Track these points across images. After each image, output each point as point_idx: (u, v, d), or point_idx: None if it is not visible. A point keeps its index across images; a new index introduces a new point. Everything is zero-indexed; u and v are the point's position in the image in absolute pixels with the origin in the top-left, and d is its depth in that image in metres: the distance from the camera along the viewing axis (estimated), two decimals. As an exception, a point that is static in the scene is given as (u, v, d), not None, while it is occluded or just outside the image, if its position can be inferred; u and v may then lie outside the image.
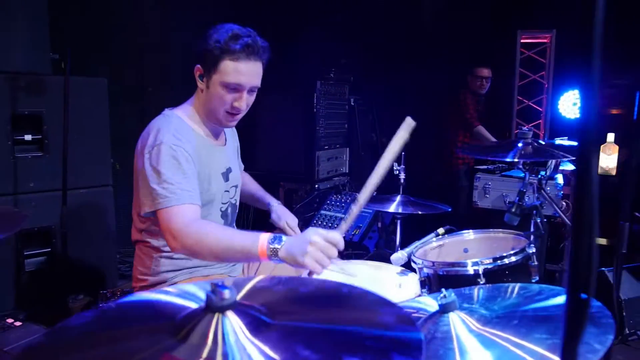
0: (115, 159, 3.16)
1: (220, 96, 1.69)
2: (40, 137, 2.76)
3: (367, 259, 2.29)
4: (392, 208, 2.21)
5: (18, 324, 1.70)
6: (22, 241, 2.72)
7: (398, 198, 2.25)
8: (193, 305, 0.79)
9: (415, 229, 2.25)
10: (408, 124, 1.53)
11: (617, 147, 5.14)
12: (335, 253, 1.43)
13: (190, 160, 1.64)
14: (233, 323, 0.70)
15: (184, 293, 0.85)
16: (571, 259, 0.56)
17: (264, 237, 1.44)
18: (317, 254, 1.37)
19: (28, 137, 2.73)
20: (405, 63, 5.05)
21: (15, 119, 2.66)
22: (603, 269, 3.57)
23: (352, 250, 2.81)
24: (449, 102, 4.70)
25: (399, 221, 2.28)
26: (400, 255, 1.90)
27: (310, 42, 4.01)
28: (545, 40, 4.85)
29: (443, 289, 1.12)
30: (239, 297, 0.79)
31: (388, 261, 2.10)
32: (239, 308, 0.72)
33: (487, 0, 5.02)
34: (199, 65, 1.72)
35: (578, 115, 4.46)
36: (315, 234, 1.40)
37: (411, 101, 5.15)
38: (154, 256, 1.79)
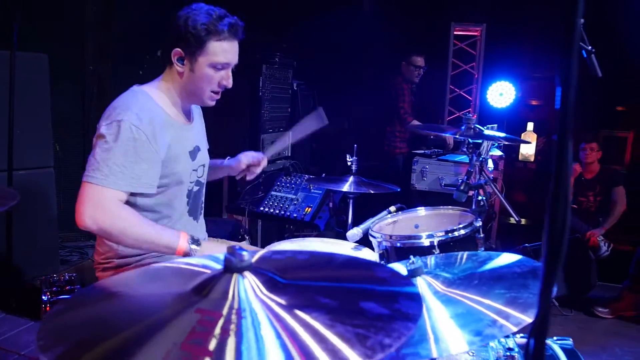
0: (56, 140, 3.05)
1: (208, 77, 1.73)
2: (-23, 116, 2.61)
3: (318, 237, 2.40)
4: (345, 187, 2.33)
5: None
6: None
7: (351, 178, 2.37)
8: (204, 271, 0.85)
9: (364, 210, 2.38)
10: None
11: (535, 135, 5.59)
12: None
13: (147, 143, 1.64)
14: (251, 281, 0.77)
15: (199, 263, 0.90)
16: (549, 225, 0.68)
17: (184, 241, 1.65)
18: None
19: (-38, 116, 2.58)
20: (346, 50, 5.19)
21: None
22: (526, 245, 3.92)
23: (304, 229, 2.91)
24: (386, 90, 4.82)
25: (351, 201, 2.40)
26: (355, 232, 2.01)
27: (257, 27, 4.02)
28: (476, 34, 5.16)
29: (411, 256, 1.25)
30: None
31: (340, 239, 2.22)
32: (254, 269, 0.79)
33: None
34: (178, 49, 1.71)
35: (504, 105, 4.80)
36: (221, 247, 1.66)
37: (352, 87, 5.31)
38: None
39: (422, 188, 3.91)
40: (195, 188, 1.95)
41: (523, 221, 5.39)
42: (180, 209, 1.88)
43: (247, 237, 2.90)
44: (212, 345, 0.64)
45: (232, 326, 0.68)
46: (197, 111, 2.04)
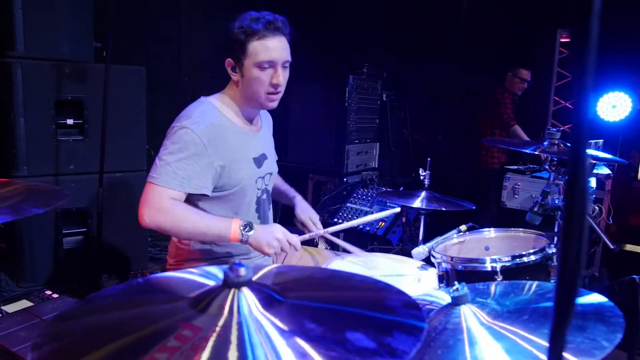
0: (150, 146, 3.27)
1: (258, 78, 1.75)
2: (81, 121, 2.88)
3: (390, 253, 2.33)
4: (416, 203, 2.23)
5: (55, 296, 1.81)
6: (61, 220, 2.86)
7: (423, 194, 2.27)
8: (212, 283, 0.85)
9: (440, 226, 2.26)
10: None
11: None
12: (288, 251, 1.78)
13: (201, 146, 1.70)
14: (247, 298, 0.75)
15: (205, 273, 0.91)
16: (562, 252, 0.59)
17: (237, 223, 1.70)
18: (277, 248, 1.72)
19: (70, 122, 2.85)
20: (440, 61, 5.02)
21: (58, 104, 2.79)
22: (634, 276, 3.49)
23: (377, 243, 2.84)
24: (486, 100, 4.63)
25: (423, 217, 2.30)
26: (421, 250, 1.91)
27: (344, 36, 4.04)
28: (585, 40, 4.74)
29: (456, 282, 1.15)
30: (255, 278, 0.84)
31: (410, 256, 2.13)
32: (253, 285, 0.77)
33: (526, -2, 4.94)
34: (229, 59, 1.78)
35: (618, 118, 4.35)
36: (280, 232, 1.73)
37: (444, 99, 5.13)
38: (188, 243, 1.87)
39: (513, 206, 3.65)
40: (264, 196, 1.98)
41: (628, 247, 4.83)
42: (249, 216, 1.92)
43: (327, 246, 2.89)
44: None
45: (208, 343, 0.66)
46: (266, 121, 2.08)
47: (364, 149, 4.21)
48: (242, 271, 0.76)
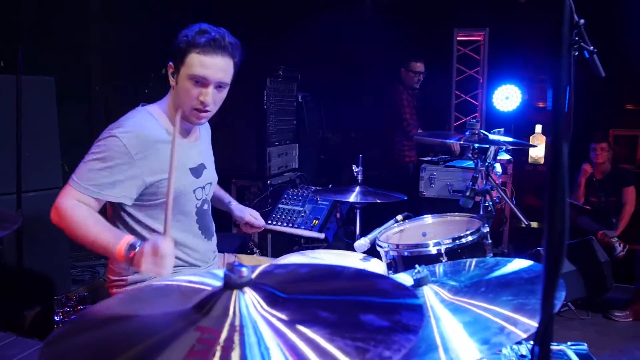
0: (64, 161, 3.08)
1: (187, 90, 1.71)
2: (-16, 139, 2.64)
3: (327, 249, 2.39)
4: (352, 198, 2.32)
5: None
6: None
7: (357, 189, 2.37)
8: (205, 288, 0.85)
9: (372, 219, 2.37)
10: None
11: (544, 138, 5.55)
12: (163, 270, 1.50)
13: (128, 156, 1.67)
14: (251, 297, 0.76)
15: (199, 280, 0.90)
16: (548, 229, 0.67)
17: (125, 244, 1.55)
18: (153, 266, 1.49)
19: (-29, 140, 2.61)
20: (349, 59, 5.21)
21: (-44, 121, 2.54)
22: (538, 249, 3.88)
23: (311, 241, 2.90)
24: (388, 99, 4.77)
25: (358, 211, 2.39)
26: (363, 242, 2.00)
27: (259, 40, 4.04)
28: (479, 38, 5.15)
29: (417, 265, 1.23)
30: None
31: (348, 250, 2.22)
32: (254, 285, 0.79)
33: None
34: (170, 63, 1.75)
35: (511, 108, 4.75)
36: (152, 249, 1.49)
37: (356, 97, 5.32)
38: None
39: (430, 195, 3.89)
40: (205, 206, 1.95)
41: (535, 225, 5.34)
42: (190, 227, 1.88)
43: (256, 251, 2.90)
44: None
45: (234, 343, 0.67)
46: (205, 130, 2.06)
47: (284, 150, 4.25)
48: (244, 271, 0.77)
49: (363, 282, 0.88)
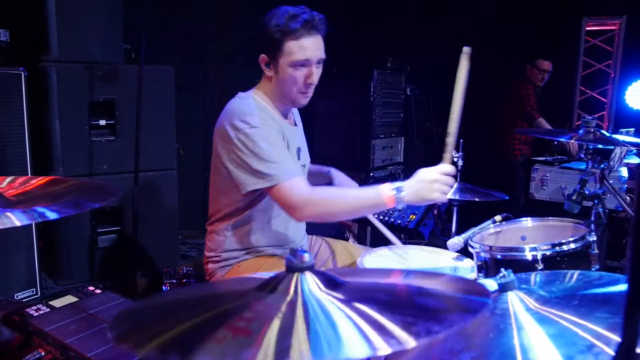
0: (180, 144, 3.32)
1: (292, 77, 1.75)
2: (112, 122, 2.94)
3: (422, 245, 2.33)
4: (449, 194, 2.23)
5: (98, 291, 1.86)
6: (95, 219, 2.93)
7: (455, 185, 2.27)
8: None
9: (471, 218, 2.26)
10: (465, 52, 1.72)
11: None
12: (453, 181, 1.62)
13: (281, 138, 1.75)
14: (311, 280, 0.77)
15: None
16: (634, 237, 0.59)
17: (387, 188, 1.59)
18: (442, 187, 1.58)
19: (102, 122, 2.92)
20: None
21: (91, 105, 2.86)
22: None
23: (408, 236, 2.85)
24: (509, 93, 4.60)
25: (455, 208, 2.30)
26: (456, 241, 1.92)
27: (368, 32, 4.04)
28: (613, 27, 4.65)
29: (502, 269, 1.15)
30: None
31: (443, 248, 2.13)
32: (315, 270, 0.79)
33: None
34: (263, 55, 1.79)
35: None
36: (432, 173, 1.58)
37: (468, 92, 5.08)
38: (227, 235, 1.90)
39: (542, 198, 3.62)
40: None
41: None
42: None
43: (349, 238, 2.91)
44: (274, 322, 0.66)
45: (294, 315, 0.69)
46: (297, 116, 2.10)
47: (389, 143, 4.21)
48: (306, 257, 0.78)
49: (428, 278, 0.85)
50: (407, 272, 0.89)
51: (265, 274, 0.95)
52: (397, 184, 1.59)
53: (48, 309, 1.72)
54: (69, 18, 2.77)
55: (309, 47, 1.73)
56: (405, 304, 0.66)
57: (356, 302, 0.70)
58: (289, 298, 0.73)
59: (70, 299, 1.84)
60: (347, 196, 1.68)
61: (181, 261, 3.29)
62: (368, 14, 4.62)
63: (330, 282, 0.77)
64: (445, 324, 0.59)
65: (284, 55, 1.73)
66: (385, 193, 1.57)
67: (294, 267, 0.79)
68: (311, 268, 0.79)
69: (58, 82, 2.74)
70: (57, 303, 1.79)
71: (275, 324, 0.64)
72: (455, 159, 2.27)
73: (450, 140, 1.64)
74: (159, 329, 0.69)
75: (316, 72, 1.79)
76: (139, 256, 2.93)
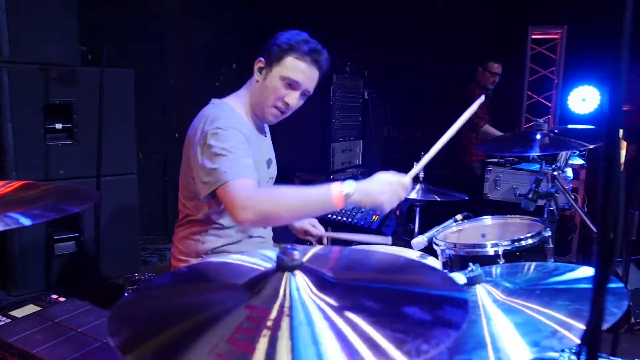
0: (139, 149, 3.27)
1: (276, 88, 1.76)
2: (69, 125, 2.87)
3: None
4: (412, 195, 2.32)
5: (62, 299, 1.82)
6: (51, 226, 2.84)
7: (417, 186, 2.36)
8: (258, 268, 0.90)
9: (432, 218, 2.35)
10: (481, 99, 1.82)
11: (625, 143, 5.21)
12: (404, 194, 1.61)
13: (246, 142, 1.72)
14: (301, 280, 0.80)
15: (247, 260, 0.95)
16: (600, 227, 0.66)
17: (336, 186, 1.54)
18: (393, 195, 1.56)
19: (59, 126, 2.84)
20: (418, 58, 5.13)
21: (47, 108, 2.77)
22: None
23: (370, 237, 2.91)
24: (459, 98, 4.69)
25: (418, 208, 2.38)
26: (420, 240, 1.99)
27: (326, 37, 4.07)
28: (556, 36, 4.92)
29: (470, 264, 1.22)
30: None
31: (407, 248, 2.21)
32: (305, 268, 0.82)
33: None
34: (261, 58, 1.80)
35: (587, 111, 4.49)
36: (389, 177, 1.58)
37: (424, 95, 5.24)
38: (198, 239, 1.88)
39: (495, 197, 3.78)
40: None
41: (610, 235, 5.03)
42: None
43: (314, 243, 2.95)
44: (261, 339, 0.67)
45: (282, 322, 0.71)
46: (267, 127, 2.12)
47: (348, 146, 4.28)
48: (296, 255, 0.81)
49: (412, 273, 0.90)
50: (391, 259, 0.93)
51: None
52: (348, 182, 1.54)
53: (9, 320, 1.67)
54: (21, 17, 2.68)
55: (305, 73, 1.75)
56: (394, 314, 0.70)
57: (348, 312, 0.72)
58: (277, 303, 0.74)
59: (32, 308, 1.79)
60: (294, 193, 1.62)
61: (142, 267, 3.24)
62: (327, 19, 4.70)
63: (320, 282, 0.80)
64: (432, 343, 0.62)
65: (280, 67, 1.75)
66: (334, 191, 1.53)
67: (284, 266, 0.81)
68: (301, 267, 0.81)
69: (10, 83, 2.64)
70: (18, 313, 1.74)
71: (262, 344, 0.65)
72: (419, 178, 2.34)
73: (424, 161, 1.71)
74: (154, 330, 0.70)
75: (297, 100, 1.79)
76: (100, 262, 2.87)
